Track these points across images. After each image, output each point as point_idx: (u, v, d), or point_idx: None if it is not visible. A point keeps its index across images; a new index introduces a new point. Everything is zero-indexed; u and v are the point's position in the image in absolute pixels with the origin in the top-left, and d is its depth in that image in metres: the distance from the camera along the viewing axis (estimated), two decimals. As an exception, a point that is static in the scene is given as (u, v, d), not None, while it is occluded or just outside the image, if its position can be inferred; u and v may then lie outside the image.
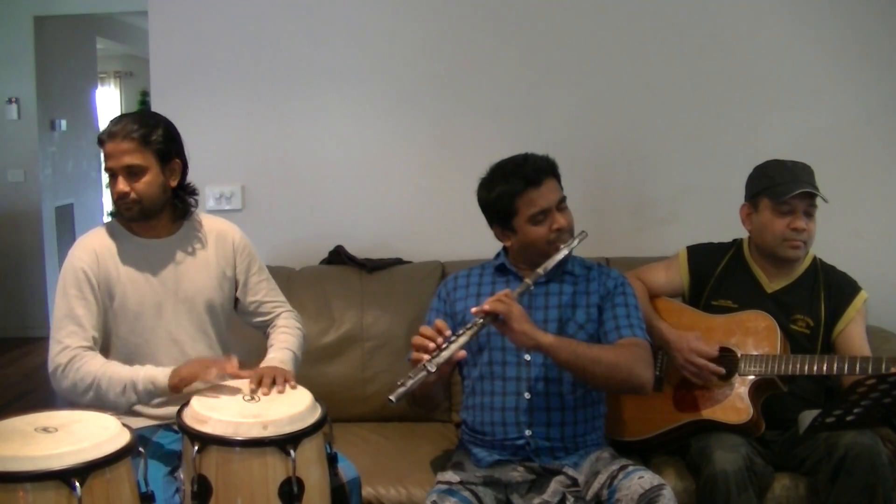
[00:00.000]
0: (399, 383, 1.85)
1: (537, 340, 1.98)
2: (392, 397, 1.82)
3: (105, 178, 2.28)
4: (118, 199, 2.05)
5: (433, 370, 1.87)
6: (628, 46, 3.06)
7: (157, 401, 2.07)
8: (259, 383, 1.91)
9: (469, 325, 1.96)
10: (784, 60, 3.02)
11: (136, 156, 2.03)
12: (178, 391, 1.96)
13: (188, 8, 3.10)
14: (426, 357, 1.90)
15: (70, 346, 1.98)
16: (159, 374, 1.96)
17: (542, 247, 2.14)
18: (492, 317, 1.97)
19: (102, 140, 2.05)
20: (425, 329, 1.98)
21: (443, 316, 2.27)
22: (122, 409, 1.97)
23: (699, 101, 3.06)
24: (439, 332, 1.96)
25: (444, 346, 1.92)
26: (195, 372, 1.94)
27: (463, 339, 1.93)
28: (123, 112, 9.08)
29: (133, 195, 2.04)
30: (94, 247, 2.10)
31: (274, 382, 1.91)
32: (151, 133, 2.05)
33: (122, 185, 2.04)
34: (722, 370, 2.27)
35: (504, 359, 2.16)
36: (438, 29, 3.10)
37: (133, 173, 2.04)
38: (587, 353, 2.04)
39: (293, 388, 1.93)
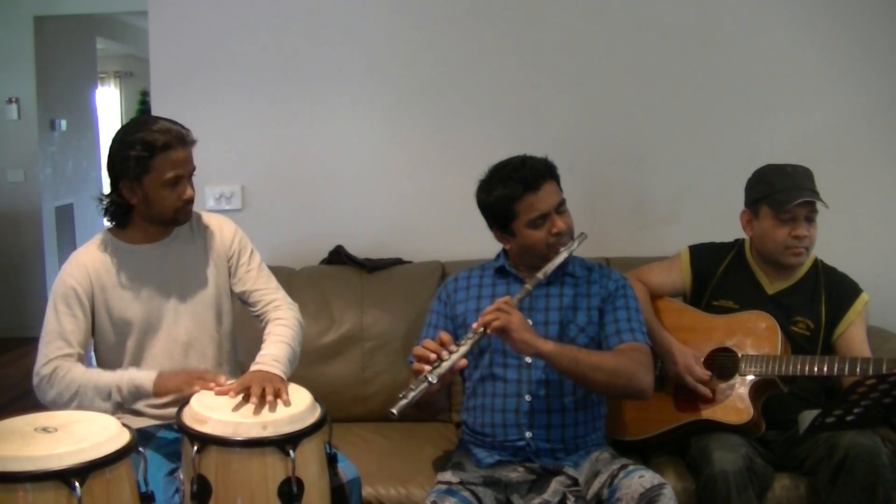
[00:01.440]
0: (401, 396, 1.84)
1: (538, 349, 1.98)
2: (394, 410, 1.82)
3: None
4: (186, 203, 2.08)
5: (434, 381, 1.86)
6: (628, 46, 3.06)
7: (157, 401, 2.07)
8: (246, 397, 1.82)
9: (470, 335, 1.96)
10: (784, 61, 3.02)
11: (192, 159, 2.10)
12: (164, 396, 2.01)
13: (188, 8, 3.10)
14: (427, 368, 1.90)
15: (53, 358, 2.00)
16: (144, 380, 1.98)
17: (542, 250, 2.13)
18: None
19: (170, 145, 2.02)
20: (429, 343, 1.97)
21: (443, 318, 2.27)
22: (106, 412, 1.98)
23: (699, 102, 3.06)
24: (443, 346, 1.95)
25: (445, 356, 1.91)
26: (180, 387, 1.96)
27: (464, 349, 1.93)
28: (126, 113, 9.11)
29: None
30: (86, 264, 2.08)
31: (263, 394, 1.82)
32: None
33: (191, 188, 2.09)
34: (709, 393, 2.27)
35: (505, 361, 2.16)
36: (438, 29, 3.09)
37: (192, 176, 2.11)
38: (587, 360, 2.03)
39: (284, 401, 1.84)
